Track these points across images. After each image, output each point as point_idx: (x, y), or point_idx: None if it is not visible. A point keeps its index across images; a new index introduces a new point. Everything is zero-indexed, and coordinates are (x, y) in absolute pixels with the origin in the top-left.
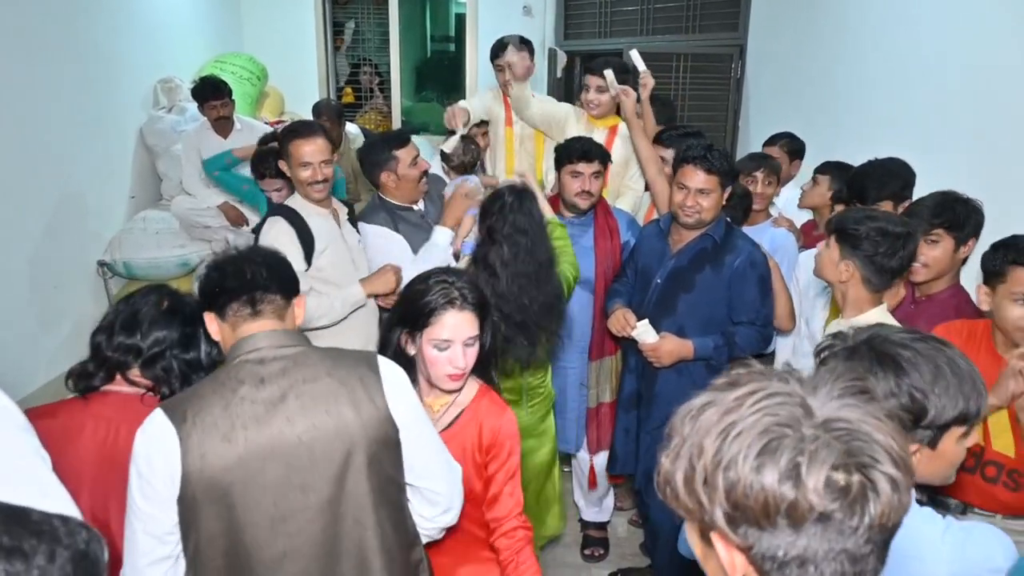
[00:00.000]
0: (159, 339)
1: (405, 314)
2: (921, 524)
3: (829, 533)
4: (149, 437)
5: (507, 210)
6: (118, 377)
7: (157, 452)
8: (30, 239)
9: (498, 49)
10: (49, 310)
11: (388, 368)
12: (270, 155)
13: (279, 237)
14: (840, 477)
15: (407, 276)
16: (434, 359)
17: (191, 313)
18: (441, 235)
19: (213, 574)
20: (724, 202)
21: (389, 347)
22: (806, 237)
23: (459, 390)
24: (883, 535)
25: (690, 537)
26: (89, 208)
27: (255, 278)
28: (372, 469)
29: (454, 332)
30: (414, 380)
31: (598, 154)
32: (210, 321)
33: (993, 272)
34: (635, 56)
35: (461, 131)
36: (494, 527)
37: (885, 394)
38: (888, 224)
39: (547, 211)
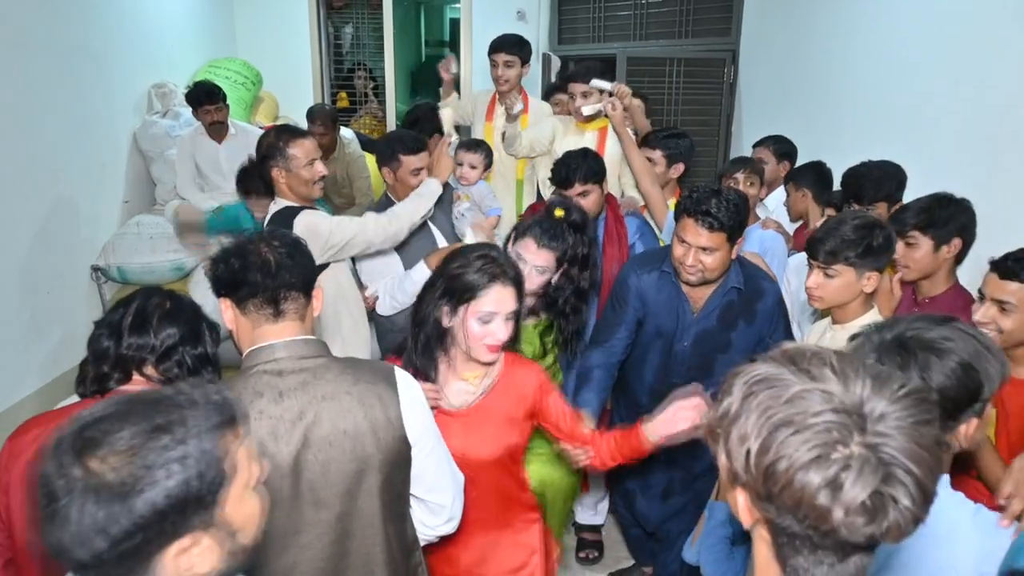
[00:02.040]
0: (170, 335)
1: (449, 289)
2: (952, 509)
3: (843, 540)
4: None
5: (583, 230)
6: (134, 377)
7: None
8: (23, 244)
9: (498, 46)
10: (42, 315)
11: (405, 383)
12: (255, 173)
13: (317, 215)
14: (872, 499)
15: (382, 294)
16: (476, 332)
17: (193, 311)
18: (420, 273)
19: None
20: (733, 256)
21: (427, 322)
22: (798, 240)
23: (495, 362)
24: (889, 541)
25: (721, 469)
26: (82, 213)
27: (280, 273)
28: (384, 488)
29: (498, 305)
30: (446, 351)
31: (580, 176)
32: (226, 308)
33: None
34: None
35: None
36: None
37: (940, 383)
38: (863, 219)
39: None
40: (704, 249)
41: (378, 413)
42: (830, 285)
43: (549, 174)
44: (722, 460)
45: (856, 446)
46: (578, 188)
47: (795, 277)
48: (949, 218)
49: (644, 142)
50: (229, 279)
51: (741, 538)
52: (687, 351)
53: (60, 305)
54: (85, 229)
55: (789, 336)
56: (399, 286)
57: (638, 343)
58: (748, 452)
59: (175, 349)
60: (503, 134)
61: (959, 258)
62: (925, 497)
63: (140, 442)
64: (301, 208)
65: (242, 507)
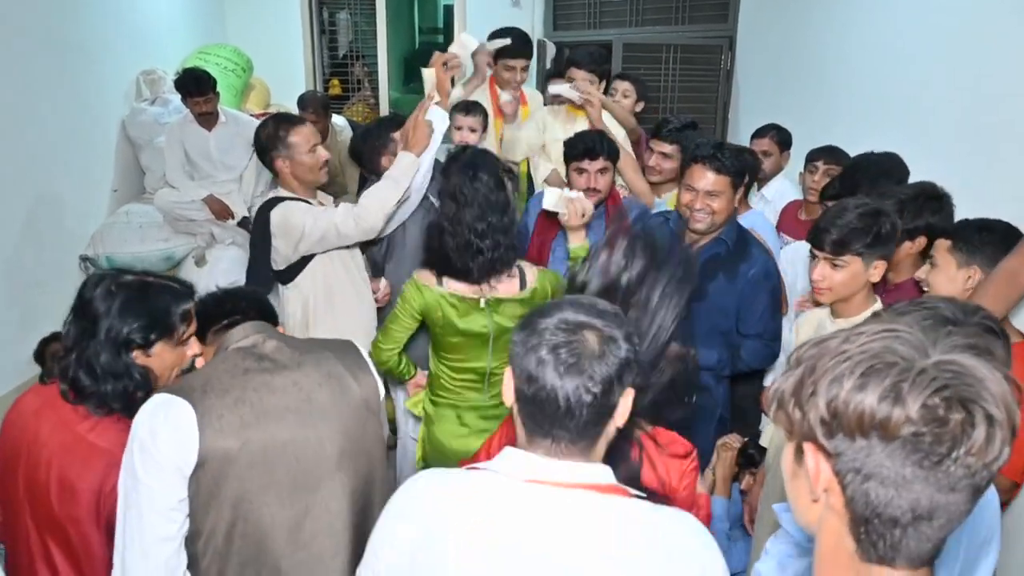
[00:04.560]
0: (69, 338)
1: None
2: None
3: (914, 457)
4: (152, 414)
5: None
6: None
7: (162, 423)
8: (9, 234)
9: (519, 52)
10: (31, 305)
11: (362, 349)
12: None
13: (296, 208)
14: (939, 404)
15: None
16: None
17: (80, 304)
18: (435, 114)
19: (236, 541)
20: (736, 203)
21: None
22: (795, 222)
23: None
24: (970, 479)
25: (785, 460)
26: (71, 202)
27: (235, 307)
28: (374, 422)
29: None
30: None
31: (603, 150)
32: (196, 351)
33: None
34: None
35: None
36: None
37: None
38: (866, 206)
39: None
40: (710, 193)
41: (354, 365)
42: (837, 276)
43: (558, 157)
44: (787, 416)
45: (918, 363)
46: (601, 162)
47: (792, 268)
48: (918, 215)
49: (656, 134)
50: (199, 321)
51: (738, 532)
52: None
53: (49, 295)
54: (74, 218)
55: (776, 317)
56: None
57: None
58: (813, 389)
59: (67, 356)
60: (501, 138)
61: (926, 252)
62: (1007, 412)
63: (617, 322)
64: (282, 199)
65: None
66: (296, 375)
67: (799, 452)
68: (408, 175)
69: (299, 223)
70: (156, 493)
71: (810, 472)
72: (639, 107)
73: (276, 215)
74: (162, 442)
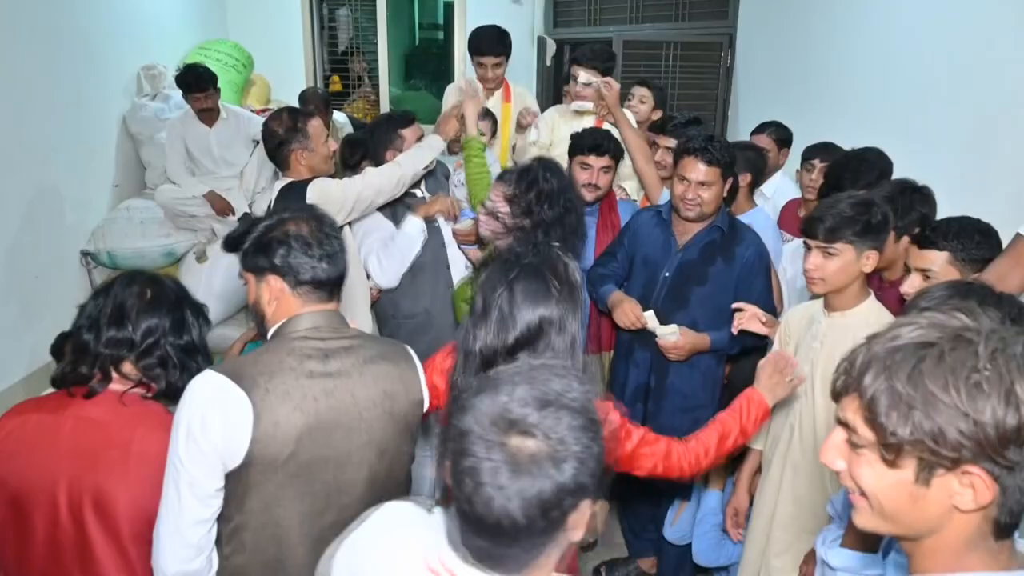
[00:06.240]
0: (151, 328)
1: None
2: None
3: None
4: (208, 400)
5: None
6: (113, 377)
7: (216, 415)
8: (11, 230)
9: (485, 48)
10: (31, 301)
11: (416, 357)
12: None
13: (327, 181)
14: None
15: (374, 269)
16: None
17: (176, 298)
18: (412, 225)
19: (261, 541)
20: (725, 194)
21: None
22: (796, 220)
23: None
24: None
25: (895, 491)
26: (72, 197)
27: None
28: (408, 443)
29: None
30: None
31: (609, 149)
32: (255, 279)
33: None
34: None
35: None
36: None
37: None
38: (859, 197)
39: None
40: (702, 184)
41: (409, 376)
42: (830, 265)
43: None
44: (937, 456)
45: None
46: (606, 160)
47: (791, 265)
48: (910, 209)
49: (661, 129)
50: (286, 255)
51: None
52: (668, 281)
53: (50, 290)
54: (74, 214)
55: (768, 296)
56: (384, 249)
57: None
58: (973, 421)
59: (157, 344)
60: (513, 146)
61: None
62: None
63: (570, 423)
64: (308, 180)
65: None
66: (355, 386)
67: (925, 478)
68: (436, 149)
69: (337, 192)
70: (196, 480)
71: (978, 492)
72: (656, 115)
73: (312, 191)
74: (212, 433)
